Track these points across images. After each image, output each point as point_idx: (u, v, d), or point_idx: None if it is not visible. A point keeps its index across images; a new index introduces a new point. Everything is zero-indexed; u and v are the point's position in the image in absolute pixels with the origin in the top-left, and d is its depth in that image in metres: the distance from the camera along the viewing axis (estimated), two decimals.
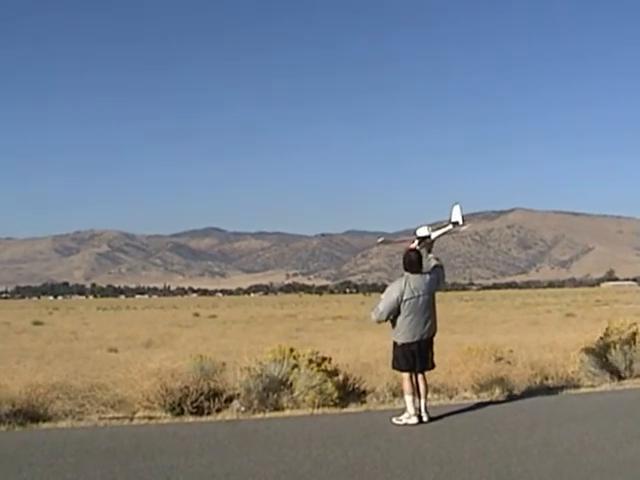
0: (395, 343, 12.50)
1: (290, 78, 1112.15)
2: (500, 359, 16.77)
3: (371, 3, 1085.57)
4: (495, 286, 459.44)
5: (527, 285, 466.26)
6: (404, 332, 12.26)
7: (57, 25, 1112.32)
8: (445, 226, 13.24)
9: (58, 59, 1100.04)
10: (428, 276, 12.66)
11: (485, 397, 14.79)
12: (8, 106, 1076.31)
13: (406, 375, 12.49)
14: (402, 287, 12.26)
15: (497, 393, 14.93)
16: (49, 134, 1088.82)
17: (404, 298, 12.16)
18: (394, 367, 12.67)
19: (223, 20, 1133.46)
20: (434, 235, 12.99)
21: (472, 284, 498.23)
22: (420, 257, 12.73)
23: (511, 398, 14.78)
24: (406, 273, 12.53)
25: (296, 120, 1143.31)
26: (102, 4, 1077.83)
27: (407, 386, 12.47)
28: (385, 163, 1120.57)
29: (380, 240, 16.31)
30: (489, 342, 19.95)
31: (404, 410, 12.42)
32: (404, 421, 12.26)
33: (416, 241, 12.95)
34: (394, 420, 12.36)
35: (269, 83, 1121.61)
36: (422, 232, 12.73)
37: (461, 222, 13.22)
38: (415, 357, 12.39)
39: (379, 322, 12.47)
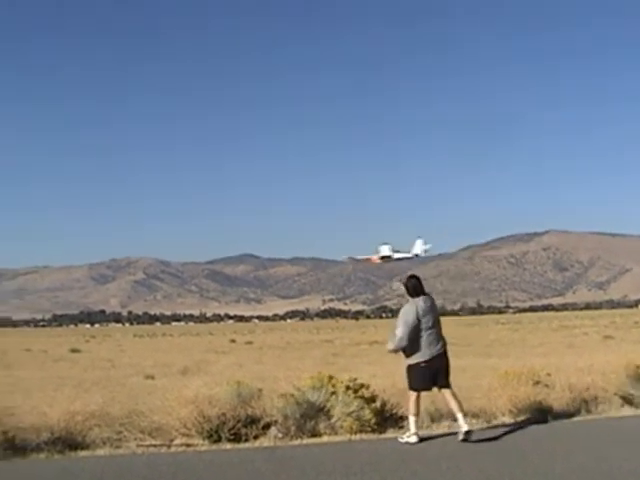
0: (412, 365, 12.82)
1: (319, 106, 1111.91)
2: (538, 383, 16.68)
3: None
4: (531, 309, 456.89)
5: (564, 307, 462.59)
6: (423, 352, 12.71)
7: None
8: (407, 254, 14.72)
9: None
10: (427, 296, 13.10)
11: (523, 421, 14.70)
12: (53, 134, 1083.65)
13: (414, 396, 12.94)
14: (415, 310, 12.74)
15: (535, 417, 14.83)
16: (84, 162, 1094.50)
17: (420, 320, 12.55)
18: (412, 388, 12.90)
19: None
20: (395, 256, 14.52)
21: (508, 307, 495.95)
22: (420, 280, 13.20)
23: (549, 422, 14.69)
24: (411, 298, 13.00)
25: (326, 145, 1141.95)
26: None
27: (412, 407, 12.95)
28: (417, 186, 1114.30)
29: (345, 258, 19.02)
30: (526, 365, 19.83)
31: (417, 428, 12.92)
32: (405, 439, 12.77)
33: (379, 260, 14.32)
34: (398, 438, 12.91)
35: (299, 108, 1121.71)
36: (384, 251, 14.32)
37: (422, 254, 14.84)
38: (438, 372, 12.82)
39: (399, 349, 12.80)
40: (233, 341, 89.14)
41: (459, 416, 12.65)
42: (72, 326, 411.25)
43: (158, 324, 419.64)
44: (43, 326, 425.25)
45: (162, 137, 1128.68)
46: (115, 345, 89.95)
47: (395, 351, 12.92)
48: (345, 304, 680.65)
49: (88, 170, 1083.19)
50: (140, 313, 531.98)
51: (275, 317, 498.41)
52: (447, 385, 12.90)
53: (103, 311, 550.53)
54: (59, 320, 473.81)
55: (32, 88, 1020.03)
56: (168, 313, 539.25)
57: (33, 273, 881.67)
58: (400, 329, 12.67)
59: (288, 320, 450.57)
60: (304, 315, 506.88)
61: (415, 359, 12.74)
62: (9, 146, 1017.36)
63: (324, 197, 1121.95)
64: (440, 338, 12.98)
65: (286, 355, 54.93)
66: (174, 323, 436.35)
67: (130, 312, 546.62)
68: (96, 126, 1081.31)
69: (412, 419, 12.90)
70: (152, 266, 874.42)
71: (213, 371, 36.54)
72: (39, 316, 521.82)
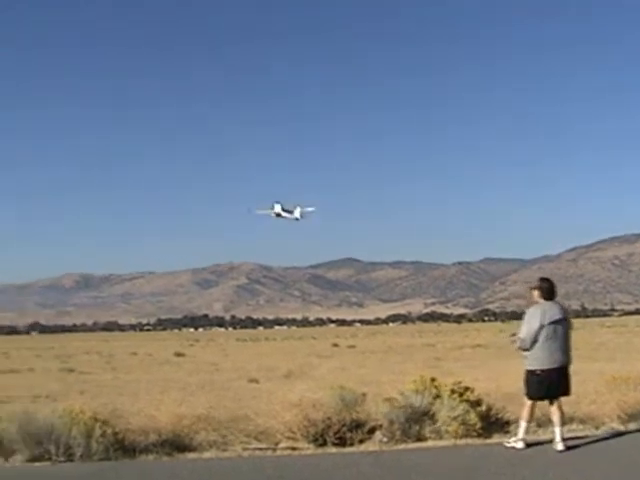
0: (531, 371, 12.55)
1: (414, 110, 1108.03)
2: None
3: None
4: (637, 312, 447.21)
5: None
6: (542, 359, 12.40)
7: None
8: (291, 215, 19.81)
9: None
10: (560, 304, 12.89)
11: (633, 427, 14.39)
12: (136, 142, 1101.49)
13: (529, 403, 12.70)
14: (541, 314, 12.44)
15: None
16: (179, 167, 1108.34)
17: (544, 325, 12.27)
18: (528, 395, 12.69)
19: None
20: (284, 215, 18.79)
21: (614, 310, 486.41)
22: (553, 285, 12.96)
23: None
24: (542, 301, 12.74)
25: (425, 150, 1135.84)
26: None
27: (525, 413, 12.71)
28: (521, 188, 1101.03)
29: (248, 210, 24.84)
30: (634, 370, 19.43)
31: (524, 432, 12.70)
32: (512, 444, 12.59)
33: (273, 215, 18.56)
34: (504, 443, 12.74)
35: (395, 112, 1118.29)
36: (277, 209, 19.21)
37: (300, 218, 19.47)
38: (552, 384, 12.51)
39: (523, 350, 12.57)
40: (336, 345, 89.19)
41: (557, 430, 12.46)
42: (176, 330, 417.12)
43: (261, 328, 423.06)
44: (148, 330, 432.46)
45: (261, 140, 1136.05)
46: (219, 349, 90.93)
47: (522, 350, 12.71)
48: (447, 307, 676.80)
49: (186, 175, 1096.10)
50: (243, 317, 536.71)
51: (377, 321, 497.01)
52: (558, 399, 12.70)
53: (206, 315, 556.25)
54: (164, 324, 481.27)
55: (128, 97, 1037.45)
56: (271, 317, 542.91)
57: (139, 278, 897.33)
58: (523, 330, 12.52)
59: (390, 324, 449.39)
60: (406, 319, 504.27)
61: (533, 365, 12.50)
62: (114, 154, 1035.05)
63: (424, 200, 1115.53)
64: (565, 351, 12.67)
65: (389, 359, 54.85)
66: (277, 327, 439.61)
67: (233, 316, 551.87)
68: (196, 130, 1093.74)
69: (523, 424, 12.69)
70: (255, 271, 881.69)
71: (316, 375, 36.70)
72: (144, 320, 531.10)
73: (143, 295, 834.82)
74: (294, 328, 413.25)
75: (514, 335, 12.95)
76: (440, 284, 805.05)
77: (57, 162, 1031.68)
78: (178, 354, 72.61)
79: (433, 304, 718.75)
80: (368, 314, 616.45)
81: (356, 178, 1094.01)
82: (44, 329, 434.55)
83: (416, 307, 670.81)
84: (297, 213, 43.98)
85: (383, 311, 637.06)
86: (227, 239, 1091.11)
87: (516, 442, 12.53)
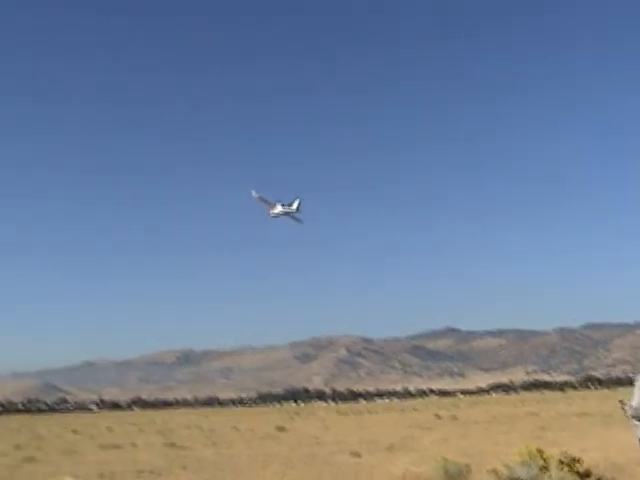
0: None
1: (503, 165, 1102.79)
2: None
3: None
4: None
5: None
6: None
7: None
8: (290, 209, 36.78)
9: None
10: None
11: None
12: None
13: None
14: None
15: None
16: (282, 252, 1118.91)
17: None
18: None
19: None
20: (283, 210, 26.56)
21: None
22: None
23: None
24: None
25: (522, 219, 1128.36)
26: None
27: None
28: (622, 249, 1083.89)
29: (255, 195, 32.53)
30: None
31: None
32: None
33: (277, 211, 37.71)
34: None
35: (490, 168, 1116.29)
36: (278, 208, 40.60)
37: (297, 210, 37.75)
38: None
39: (637, 419, 12.01)
40: (438, 416, 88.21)
41: None
42: (277, 404, 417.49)
43: (362, 401, 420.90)
44: (249, 404, 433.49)
45: (344, 205, 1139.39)
46: (320, 422, 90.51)
47: (635, 418, 12.10)
48: (550, 375, 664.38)
49: (286, 255, 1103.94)
50: (343, 390, 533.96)
51: (479, 390, 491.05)
52: None
53: (307, 389, 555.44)
54: (264, 399, 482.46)
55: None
56: (371, 389, 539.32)
57: (238, 353, 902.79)
58: (636, 398, 11.90)
59: (492, 393, 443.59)
60: (508, 388, 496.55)
61: None
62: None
63: (522, 266, 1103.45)
64: None
65: (492, 429, 53.97)
66: (377, 399, 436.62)
67: (333, 390, 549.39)
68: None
69: None
70: (354, 343, 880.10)
71: (419, 447, 36.21)
72: (244, 395, 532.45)
73: (243, 370, 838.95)
74: (395, 400, 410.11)
75: (624, 403, 12.38)
76: (542, 351, 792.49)
77: (160, 249, 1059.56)
78: (279, 428, 72.52)
79: (535, 372, 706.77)
80: (469, 384, 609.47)
81: (454, 251, 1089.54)
82: (146, 404, 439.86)
83: (518, 375, 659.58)
84: (295, 205, 53.01)
85: (484, 380, 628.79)
86: (325, 312, 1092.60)
87: None
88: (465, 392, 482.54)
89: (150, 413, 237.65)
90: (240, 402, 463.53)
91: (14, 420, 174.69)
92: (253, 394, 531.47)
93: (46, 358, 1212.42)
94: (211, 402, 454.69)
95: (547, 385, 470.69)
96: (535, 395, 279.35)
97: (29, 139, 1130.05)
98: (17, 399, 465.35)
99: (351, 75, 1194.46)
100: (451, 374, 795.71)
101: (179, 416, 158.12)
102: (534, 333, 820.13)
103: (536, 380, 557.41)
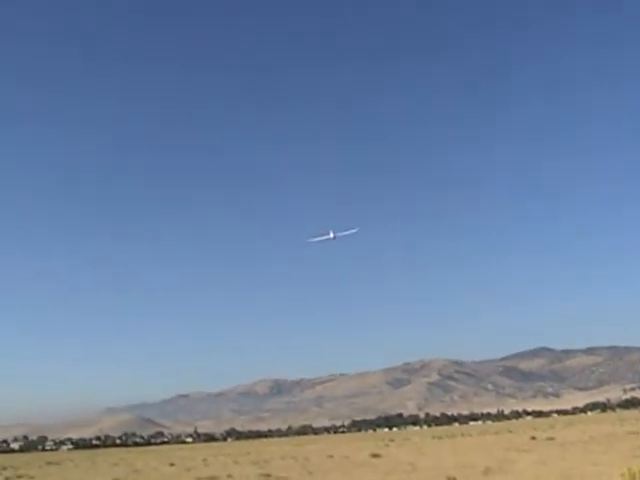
0: None
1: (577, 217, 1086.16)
2: None
3: None
4: None
5: None
6: None
7: None
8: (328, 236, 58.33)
9: None
10: None
11: None
12: None
13: None
14: None
15: None
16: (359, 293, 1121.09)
17: None
18: None
19: None
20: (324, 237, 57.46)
21: None
22: None
23: None
24: None
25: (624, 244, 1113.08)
26: None
27: None
28: None
29: (314, 240, 38.26)
30: None
31: None
32: None
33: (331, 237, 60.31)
34: None
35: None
36: (330, 235, 67.87)
37: (334, 237, 66.67)
38: None
39: None
40: (533, 438, 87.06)
41: None
42: (370, 431, 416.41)
43: (456, 424, 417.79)
44: (342, 432, 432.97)
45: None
46: (414, 448, 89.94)
47: None
48: None
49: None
50: (437, 414, 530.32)
51: (575, 410, 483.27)
52: None
53: (400, 414, 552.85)
54: (358, 425, 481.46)
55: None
56: (465, 413, 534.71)
57: (330, 381, 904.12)
58: None
59: (588, 413, 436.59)
60: (605, 406, 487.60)
61: None
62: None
63: (615, 285, 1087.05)
64: None
65: (590, 449, 53.05)
66: (471, 422, 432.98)
67: (427, 414, 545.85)
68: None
69: None
70: (446, 367, 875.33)
71: (515, 470, 35.74)
72: (338, 422, 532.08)
73: (335, 397, 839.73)
74: (489, 423, 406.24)
75: None
76: (638, 368, 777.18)
77: (252, 286, 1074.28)
78: (374, 455, 72.25)
79: (632, 389, 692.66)
80: (564, 404, 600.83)
81: (538, 268, 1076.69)
82: (240, 435, 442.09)
83: (615, 394, 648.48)
84: (331, 234, 69.28)
85: (580, 400, 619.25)
86: (416, 336, 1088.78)
87: None
88: (560, 412, 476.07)
89: (244, 444, 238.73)
90: (334, 430, 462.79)
91: (111, 454, 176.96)
92: (347, 421, 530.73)
93: (140, 392, 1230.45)
94: (305, 431, 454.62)
95: None
96: (634, 413, 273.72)
97: None
98: (114, 433, 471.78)
99: None
100: (545, 394, 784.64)
101: (273, 446, 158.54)
102: (629, 349, 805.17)
103: (634, 398, 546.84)
